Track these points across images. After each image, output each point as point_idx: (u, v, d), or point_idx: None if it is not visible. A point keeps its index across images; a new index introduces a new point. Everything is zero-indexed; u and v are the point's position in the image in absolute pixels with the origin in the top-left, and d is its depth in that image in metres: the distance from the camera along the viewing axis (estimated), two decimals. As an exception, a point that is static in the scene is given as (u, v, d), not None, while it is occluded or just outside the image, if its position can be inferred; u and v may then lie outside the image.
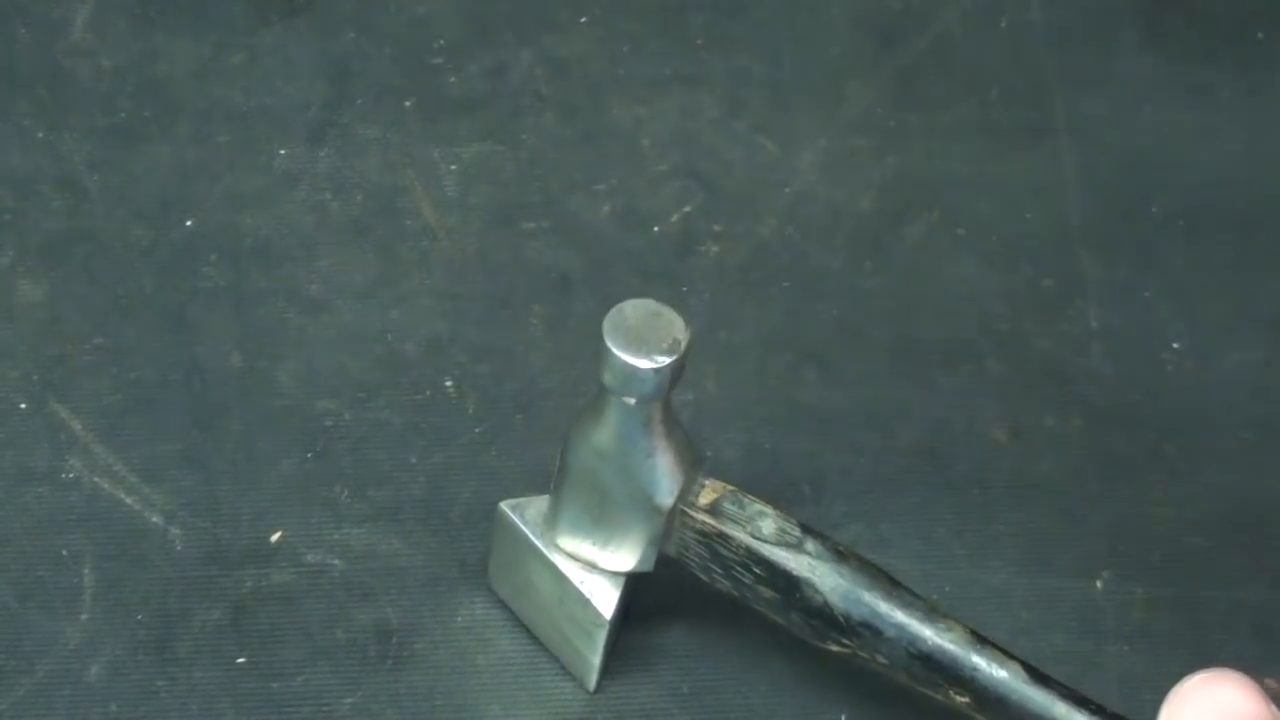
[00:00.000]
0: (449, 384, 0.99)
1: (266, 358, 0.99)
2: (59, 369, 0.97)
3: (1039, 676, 0.83)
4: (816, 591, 0.85)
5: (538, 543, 0.89)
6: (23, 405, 0.97)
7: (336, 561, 0.94)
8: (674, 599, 0.92)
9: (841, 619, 0.85)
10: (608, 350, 0.80)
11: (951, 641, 0.84)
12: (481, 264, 1.03)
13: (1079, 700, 0.82)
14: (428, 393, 0.99)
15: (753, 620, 0.89)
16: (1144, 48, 1.12)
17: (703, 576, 0.88)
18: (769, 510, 0.87)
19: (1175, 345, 1.03)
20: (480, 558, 0.93)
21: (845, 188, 1.06)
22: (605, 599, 0.88)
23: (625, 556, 0.87)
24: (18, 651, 0.90)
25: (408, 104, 1.07)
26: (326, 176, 1.05)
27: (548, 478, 0.88)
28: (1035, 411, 1.00)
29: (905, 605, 0.85)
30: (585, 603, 0.88)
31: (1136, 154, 1.09)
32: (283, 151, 1.05)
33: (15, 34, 1.07)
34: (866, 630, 0.85)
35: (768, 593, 0.86)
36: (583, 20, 1.11)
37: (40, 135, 1.04)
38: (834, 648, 0.86)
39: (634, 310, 0.81)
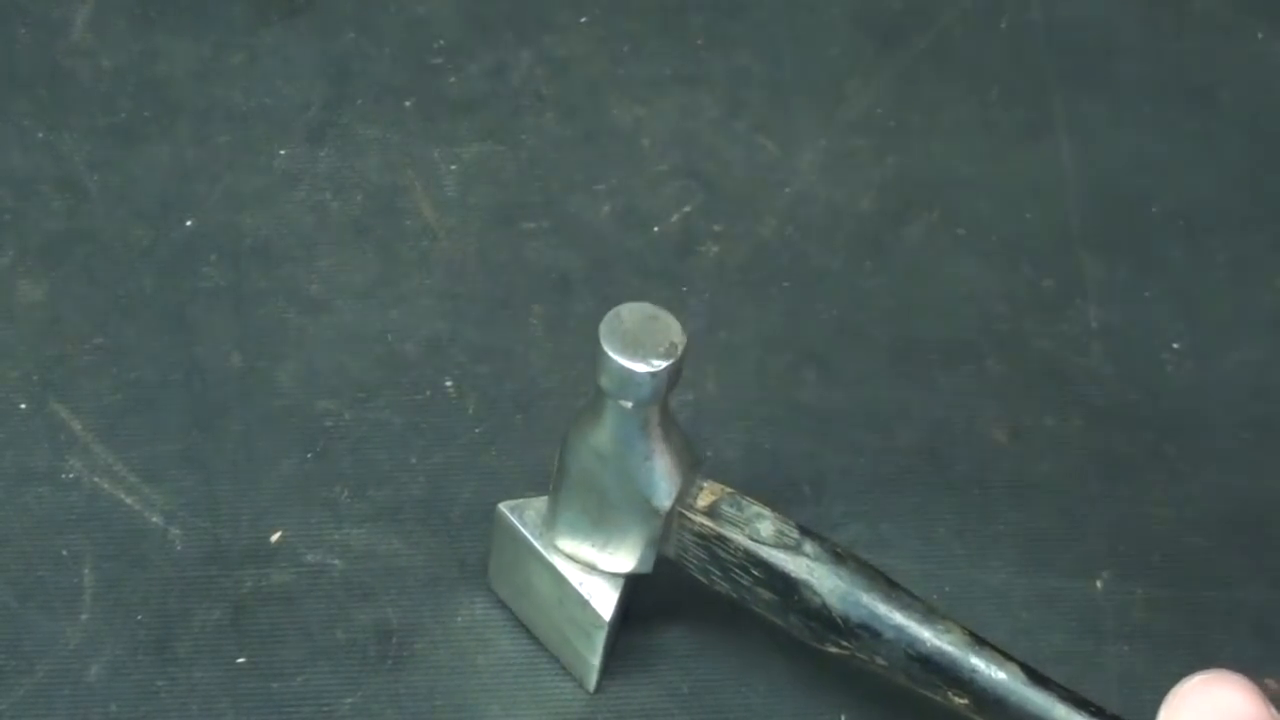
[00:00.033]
0: (449, 384, 0.99)
1: (266, 358, 0.99)
2: (59, 369, 0.98)
3: (1038, 678, 0.83)
4: (815, 593, 0.85)
5: (537, 544, 0.89)
6: (23, 405, 0.97)
7: (336, 561, 0.94)
8: (673, 600, 0.92)
9: (840, 621, 0.85)
10: (604, 354, 0.80)
11: (950, 643, 0.84)
12: (481, 264, 1.03)
13: (1078, 702, 0.82)
14: (428, 393, 0.99)
15: (752, 621, 0.89)
16: (1144, 48, 1.12)
17: (701, 578, 0.88)
18: (767, 512, 0.87)
19: (1175, 345, 1.03)
20: (480, 558, 0.93)
21: (845, 188, 1.06)
22: (604, 600, 0.88)
23: (624, 558, 0.87)
24: (18, 651, 0.90)
25: (408, 104, 1.07)
26: (326, 176, 1.05)
27: (547, 478, 0.88)
28: (1035, 411, 1.00)
29: (904, 607, 0.85)
30: (584, 604, 0.88)
31: (1136, 154, 1.09)
32: (283, 151, 1.05)
33: (15, 34, 1.07)
34: (865, 632, 0.85)
35: (766, 594, 0.86)
36: (583, 20, 1.11)
37: (40, 135, 1.04)
38: (833, 649, 0.86)
39: (631, 314, 0.81)
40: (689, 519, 0.86)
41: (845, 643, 0.85)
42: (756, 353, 1.01)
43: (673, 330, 0.81)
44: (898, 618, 0.84)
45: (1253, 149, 1.09)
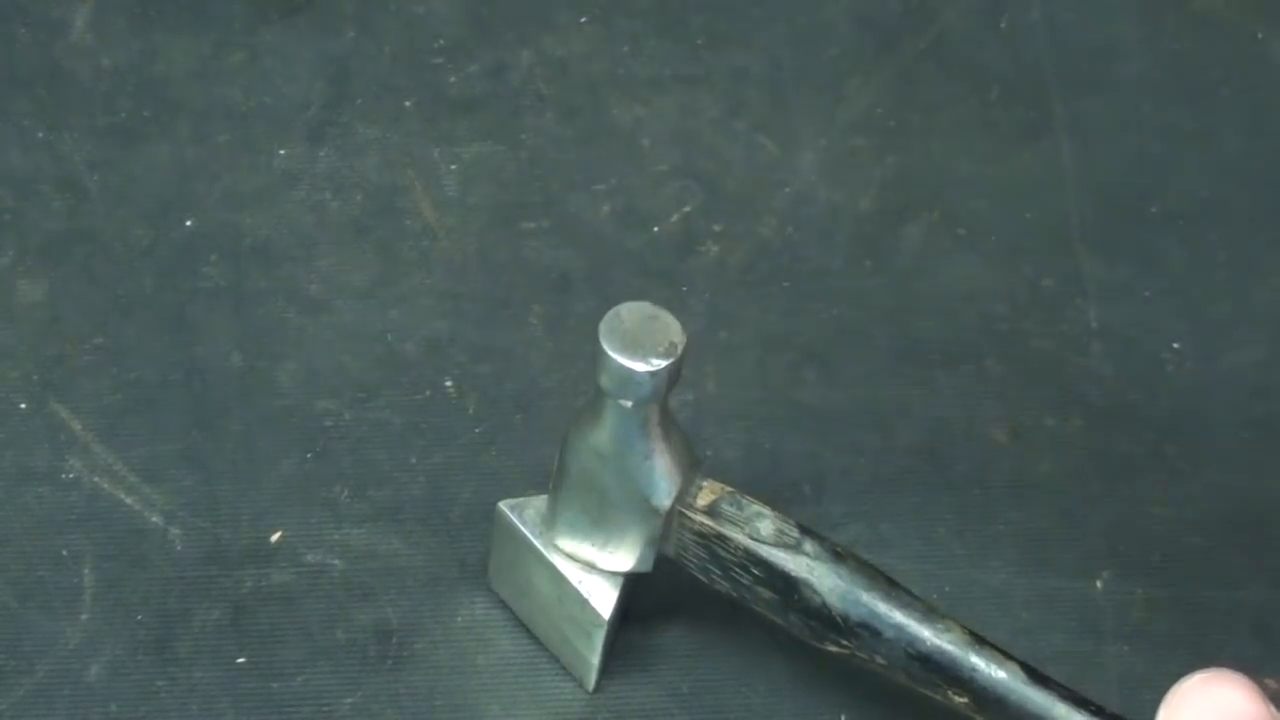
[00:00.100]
0: (449, 384, 0.99)
1: (266, 358, 0.99)
2: (59, 369, 0.98)
3: (1038, 677, 0.83)
4: (815, 592, 0.85)
5: (536, 543, 0.89)
6: (23, 405, 0.97)
7: (336, 561, 0.94)
8: (673, 599, 0.92)
9: (840, 620, 0.85)
10: (604, 353, 0.80)
11: (950, 642, 0.84)
12: (481, 264, 1.03)
13: (1078, 701, 0.82)
14: (428, 393, 0.99)
15: (752, 621, 0.89)
16: (1144, 48, 1.12)
17: (701, 577, 0.88)
18: (767, 511, 0.87)
19: (1175, 345, 1.03)
20: (480, 558, 0.93)
21: (845, 188, 1.06)
22: (604, 599, 0.88)
23: (624, 557, 0.87)
24: (18, 651, 0.90)
25: (408, 104, 1.07)
26: (326, 176, 1.05)
27: (547, 478, 0.88)
28: (1035, 411, 1.00)
29: (903, 606, 0.85)
30: (584, 603, 0.88)
31: (1136, 154, 1.09)
32: (282, 151, 1.05)
33: (15, 34, 1.07)
34: (865, 631, 0.85)
35: (766, 594, 0.86)
36: (583, 20, 1.11)
37: (40, 135, 1.04)
38: (832, 648, 0.86)
39: (630, 313, 0.81)
40: (689, 518, 0.86)
41: (845, 642, 0.85)
42: (756, 353, 1.01)
43: (672, 330, 0.81)
44: (898, 616, 0.84)
45: (1252, 149, 1.09)
